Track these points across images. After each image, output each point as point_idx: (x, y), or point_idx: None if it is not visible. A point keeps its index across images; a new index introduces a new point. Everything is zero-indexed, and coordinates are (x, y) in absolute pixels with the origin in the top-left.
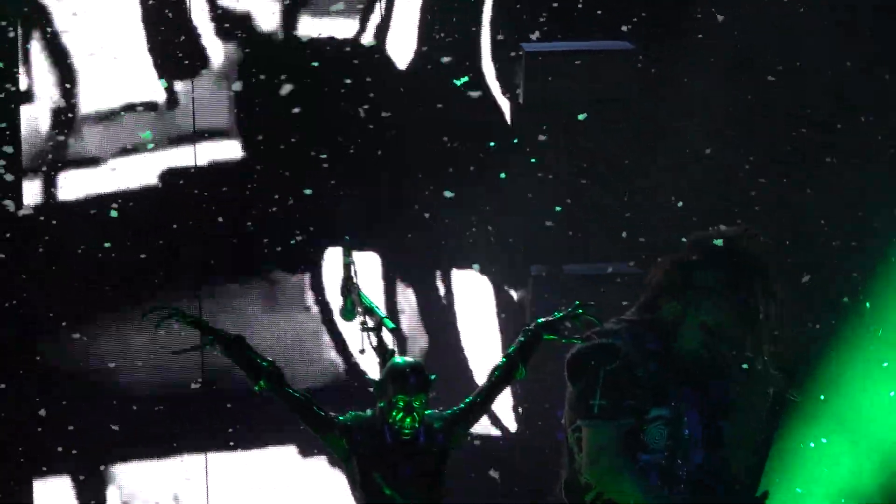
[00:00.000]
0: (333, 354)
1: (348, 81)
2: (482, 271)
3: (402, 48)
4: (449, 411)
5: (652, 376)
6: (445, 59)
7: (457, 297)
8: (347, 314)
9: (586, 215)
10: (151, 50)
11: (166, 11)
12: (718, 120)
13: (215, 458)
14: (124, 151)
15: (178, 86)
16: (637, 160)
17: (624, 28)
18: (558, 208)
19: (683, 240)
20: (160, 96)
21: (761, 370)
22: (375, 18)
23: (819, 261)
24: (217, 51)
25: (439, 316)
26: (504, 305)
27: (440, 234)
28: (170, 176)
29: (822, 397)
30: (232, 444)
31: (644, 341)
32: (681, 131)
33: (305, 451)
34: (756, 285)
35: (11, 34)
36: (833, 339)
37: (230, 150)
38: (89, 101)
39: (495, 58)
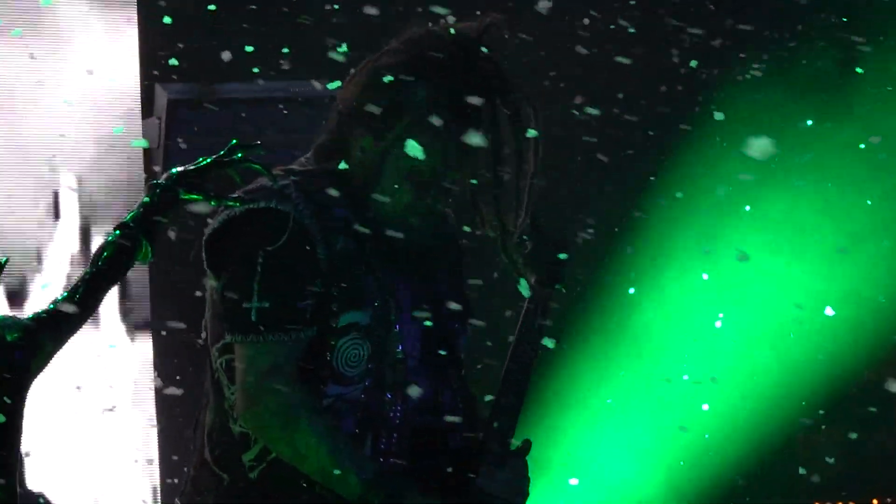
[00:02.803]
0: None
1: None
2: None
3: None
4: (30, 316)
5: (341, 260)
6: None
7: None
8: None
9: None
10: None
11: None
12: None
13: None
14: None
15: None
16: None
17: None
18: None
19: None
20: None
21: (510, 255)
22: None
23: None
24: None
25: None
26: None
27: None
28: None
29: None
30: None
31: (326, 204)
32: None
33: None
34: (499, 113)
35: None
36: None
37: None
38: None
39: None
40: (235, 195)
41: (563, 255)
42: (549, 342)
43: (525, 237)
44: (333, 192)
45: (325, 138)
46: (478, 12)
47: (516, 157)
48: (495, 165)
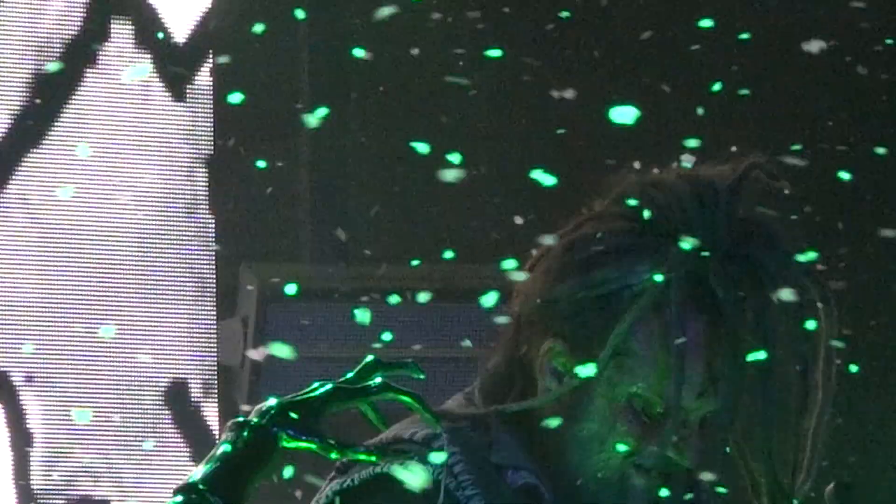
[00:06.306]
0: None
1: None
2: None
3: None
4: None
5: None
6: None
7: None
8: None
9: None
10: None
11: None
12: None
13: None
14: None
15: None
16: None
17: None
18: None
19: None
20: None
21: None
22: None
23: None
24: None
25: None
26: None
27: None
28: None
29: None
30: None
31: (498, 465)
32: None
33: None
34: (771, 310)
35: None
36: None
37: None
38: None
39: None
40: (368, 445)
41: None
42: None
43: None
44: (510, 446)
45: (497, 361)
46: (733, 148)
47: (799, 379)
48: (765, 393)
